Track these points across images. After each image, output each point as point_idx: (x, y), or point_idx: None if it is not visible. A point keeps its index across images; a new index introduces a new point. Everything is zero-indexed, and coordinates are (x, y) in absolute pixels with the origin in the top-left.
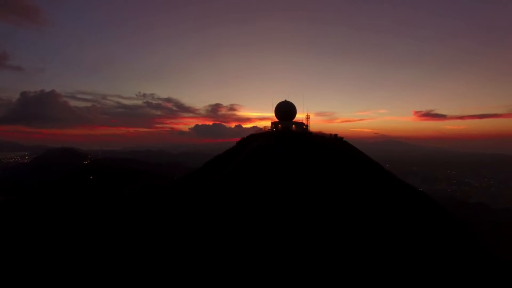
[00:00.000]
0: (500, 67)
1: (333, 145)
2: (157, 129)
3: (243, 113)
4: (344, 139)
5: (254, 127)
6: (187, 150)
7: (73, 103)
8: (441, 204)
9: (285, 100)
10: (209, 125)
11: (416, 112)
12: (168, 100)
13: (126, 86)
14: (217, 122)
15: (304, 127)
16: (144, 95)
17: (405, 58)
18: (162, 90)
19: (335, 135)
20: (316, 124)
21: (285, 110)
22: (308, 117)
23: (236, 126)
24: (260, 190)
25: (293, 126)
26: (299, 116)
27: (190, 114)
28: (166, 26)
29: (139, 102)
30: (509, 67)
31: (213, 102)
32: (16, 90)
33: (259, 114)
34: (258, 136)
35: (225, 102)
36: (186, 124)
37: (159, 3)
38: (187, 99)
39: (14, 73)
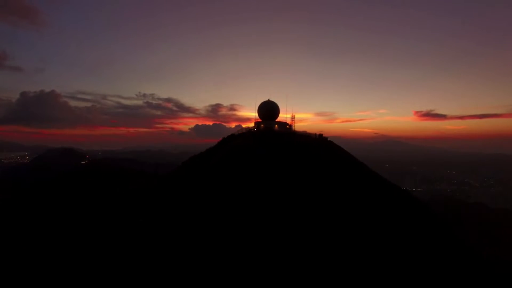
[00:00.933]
0: (500, 67)
1: (315, 145)
2: (157, 129)
3: (243, 113)
4: (328, 139)
5: (237, 126)
6: (187, 150)
7: (73, 103)
8: (423, 202)
9: (268, 99)
10: (209, 125)
11: (416, 112)
12: (168, 100)
13: (126, 86)
14: (217, 122)
15: (288, 127)
16: (144, 95)
17: (405, 58)
18: (162, 90)
19: (320, 135)
20: (316, 124)
21: (268, 109)
22: (293, 117)
23: (236, 126)
24: (234, 191)
25: (276, 126)
26: (286, 116)
27: (190, 114)
28: (166, 26)
29: (139, 102)
30: (509, 67)
31: (213, 102)
32: (15, 90)
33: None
34: (238, 136)
35: (225, 102)
36: (186, 124)
37: (159, 4)
38: (187, 99)
39: (13, 73)
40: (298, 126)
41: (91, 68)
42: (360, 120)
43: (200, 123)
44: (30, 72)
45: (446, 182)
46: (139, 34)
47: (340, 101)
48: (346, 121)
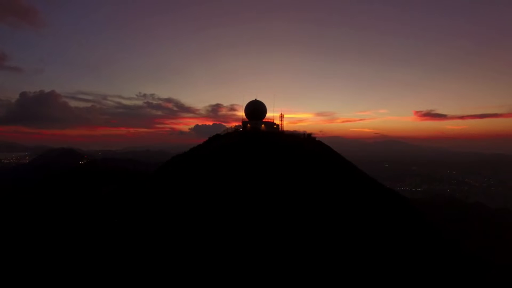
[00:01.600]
0: (500, 67)
1: (301, 145)
2: (157, 129)
3: (243, 113)
4: (316, 139)
5: (196, 125)
6: (187, 150)
7: (73, 103)
8: (404, 199)
9: (255, 99)
10: (209, 125)
11: (417, 112)
12: (169, 100)
13: (127, 86)
14: (217, 122)
15: (275, 126)
16: (145, 95)
17: (406, 58)
18: (162, 91)
19: (309, 134)
20: (317, 124)
21: (254, 109)
22: (281, 117)
23: (236, 126)
24: (209, 192)
25: (263, 125)
26: (274, 115)
27: (191, 115)
28: (167, 26)
29: (140, 102)
30: (509, 67)
31: (214, 102)
32: (15, 90)
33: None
34: (223, 136)
35: (226, 102)
36: (187, 124)
37: (159, 4)
38: (188, 100)
39: (13, 74)
40: (299, 126)
41: (92, 68)
42: (361, 120)
43: (200, 123)
44: (30, 73)
45: (446, 182)
46: (139, 34)
47: (341, 101)
48: (347, 121)
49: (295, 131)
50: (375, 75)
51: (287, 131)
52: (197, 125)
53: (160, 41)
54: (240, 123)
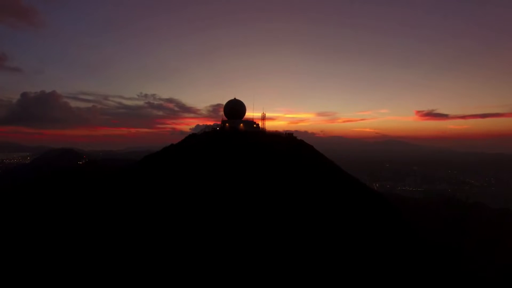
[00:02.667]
0: (502, 67)
1: (280, 145)
2: (158, 129)
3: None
4: (298, 138)
5: (197, 125)
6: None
7: (75, 104)
8: (382, 196)
9: (234, 98)
10: (209, 125)
11: (418, 112)
12: (170, 100)
13: (128, 86)
14: (218, 122)
15: (255, 126)
16: (146, 95)
17: (407, 57)
18: (163, 91)
19: (290, 134)
20: (318, 124)
21: (233, 108)
22: (263, 117)
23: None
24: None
25: (241, 125)
26: (254, 115)
27: (192, 115)
28: (167, 27)
29: (141, 102)
30: (510, 66)
31: (215, 102)
32: (16, 91)
33: (260, 114)
34: (199, 136)
35: None
36: (188, 124)
37: (160, 4)
38: (189, 100)
39: (13, 74)
40: (300, 126)
41: (93, 68)
42: (362, 120)
43: (201, 123)
44: (30, 73)
45: (446, 182)
46: (140, 35)
47: (342, 101)
48: (348, 121)
49: (277, 131)
50: (376, 74)
51: (269, 131)
52: (197, 125)
53: (161, 41)
54: (221, 122)
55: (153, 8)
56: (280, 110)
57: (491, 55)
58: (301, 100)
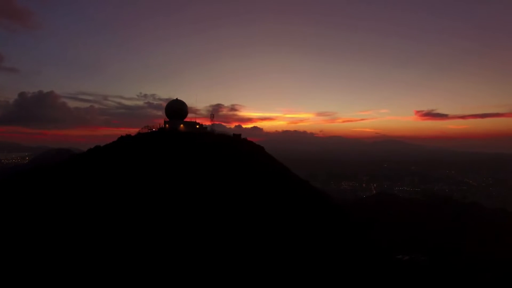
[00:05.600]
0: (501, 67)
1: (218, 145)
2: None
3: (244, 113)
4: (245, 138)
5: (237, 126)
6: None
7: (74, 103)
8: (328, 199)
9: (176, 98)
10: (208, 125)
11: (418, 112)
12: (169, 100)
13: (127, 86)
14: (217, 122)
15: (197, 126)
16: (145, 95)
17: (406, 57)
18: (163, 91)
19: (238, 135)
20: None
21: (173, 109)
22: (212, 117)
23: (236, 126)
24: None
25: (181, 125)
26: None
27: (191, 115)
28: (167, 27)
29: (140, 102)
30: (510, 66)
31: (214, 102)
32: (13, 91)
33: (260, 114)
34: (133, 137)
35: (226, 102)
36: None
37: (160, 4)
38: (188, 100)
39: (10, 74)
40: (299, 126)
41: (92, 69)
42: (361, 120)
43: (200, 123)
44: (28, 74)
45: (444, 182)
46: (140, 35)
47: (341, 101)
48: (347, 121)
49: (225, 132)
50: (376, 74)
51: (214, 131)
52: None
53: (161, 41)
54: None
55: (152, 8)
56: (279, 110)
57: (491, 55)
58: (300, 100)
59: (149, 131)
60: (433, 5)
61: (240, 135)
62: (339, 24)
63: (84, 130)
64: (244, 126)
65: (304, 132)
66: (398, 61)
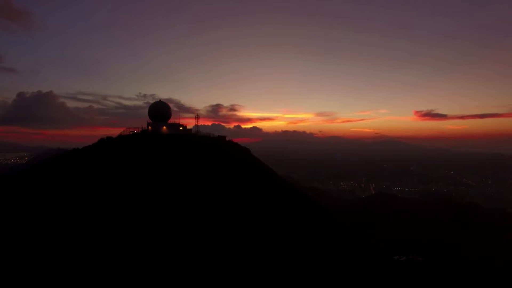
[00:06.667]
0: (500, 67)
1: (201, 147)
2: None
3: (243, 113)
4: (229, 140)
5: (236, 126)
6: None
7: (73, 104)
8: (311, 200)
9: (160, 99)
10: (208, 125)
11: (417, 112)
12: (169, 100)
13: (127, 86)
14: (217, 123)
15: (181, 128)
16: (145, 95)
17: (406, 58)
18: (162, 91)
19: (223, 137)
20: (317, 124)
21: (156, 111)
22: (197, 119)
23: (235, 126)
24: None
25: (164, 127)
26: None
27: (191, 115)
28: (166, 27)
29: (140, 102)
30: (509, 67)
31: (214, 102)
32: (12, 91)
33: (259, 114)
34: (114, 139)
35: (226, 103)
36: (187, 124)
37: (159, 4)
38: (188, 100)
39: (8, 75)
40: (299, 126)
41: (91, 69)
42: (361, 120)
43: (200, 123)
44: (26, 74)
45: (443, 182)
46: (139, 35)
47: (341, 101)
48: (347, 121)
49: (210, 134)
50: (376, 75)
51: (198, 133)
52: (195, 125)
53: (161, 41)
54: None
55: (152, 8)
56: (279, 110)
57: (490, 56)
58: (300, 101)
59: (130, 133)
60: (433, 5)
61: (225, 137)
62: (339, 24)
63: (83, 130)
64: (243, 126)
65: (304, 132)
66: (398, 62)
